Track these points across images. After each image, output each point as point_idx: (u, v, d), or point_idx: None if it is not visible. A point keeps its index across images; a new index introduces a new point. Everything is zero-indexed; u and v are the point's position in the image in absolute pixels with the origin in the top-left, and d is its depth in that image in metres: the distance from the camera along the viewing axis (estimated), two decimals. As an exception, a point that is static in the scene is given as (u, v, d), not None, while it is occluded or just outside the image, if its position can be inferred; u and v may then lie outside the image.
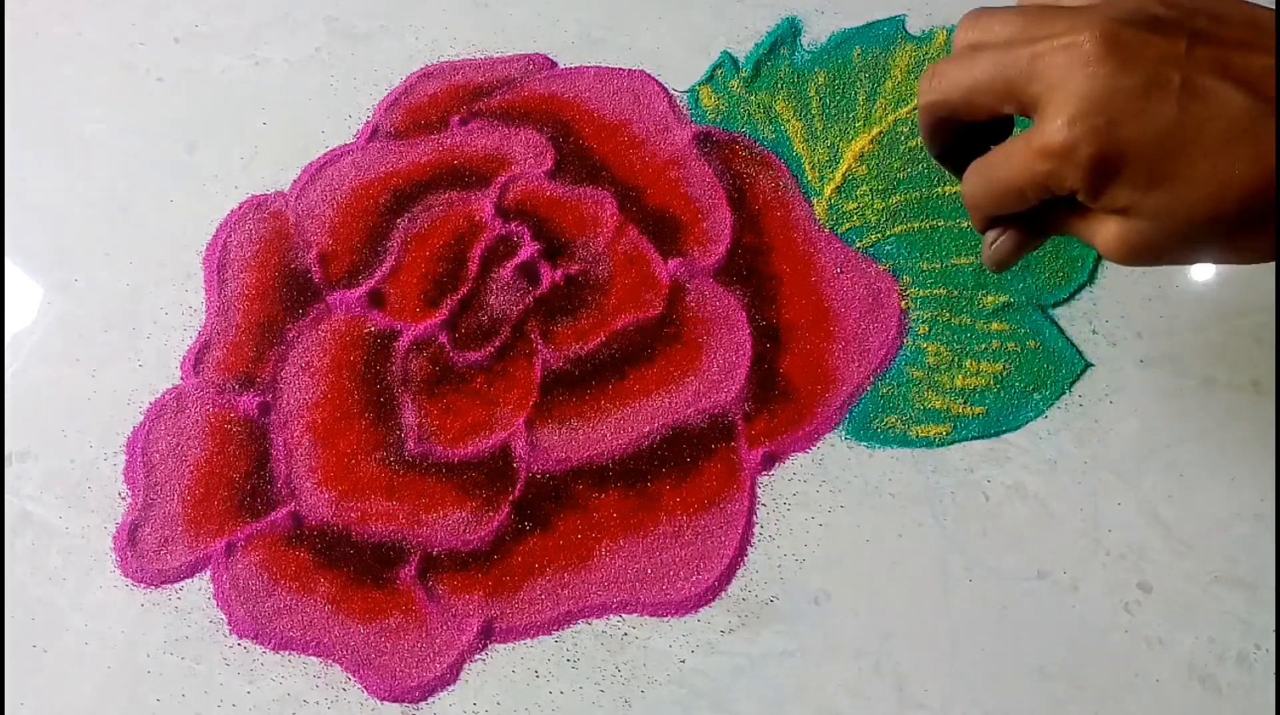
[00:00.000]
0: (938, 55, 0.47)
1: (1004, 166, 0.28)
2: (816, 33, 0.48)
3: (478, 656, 0.37)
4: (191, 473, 0.41)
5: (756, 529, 0.39)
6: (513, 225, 0.44)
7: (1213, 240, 0.27)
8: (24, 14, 0.52)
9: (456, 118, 0.47)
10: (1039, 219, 0.30)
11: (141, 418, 0.42)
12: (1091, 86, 0.26)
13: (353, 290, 0.43)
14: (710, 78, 0.48)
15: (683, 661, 0.37)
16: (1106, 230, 0.28)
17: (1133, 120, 0.26)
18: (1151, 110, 0.26)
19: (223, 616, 0.38)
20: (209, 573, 0.39)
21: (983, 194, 0.30)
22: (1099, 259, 0.42)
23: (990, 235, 0.31)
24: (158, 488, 0.40)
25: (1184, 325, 0.41)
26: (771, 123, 0.46)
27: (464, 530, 0.39)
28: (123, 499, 0.41)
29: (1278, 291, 0.41)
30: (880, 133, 0.46)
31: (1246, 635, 0.36)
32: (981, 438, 0.40)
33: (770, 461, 0.40)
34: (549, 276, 0.43)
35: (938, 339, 0.41)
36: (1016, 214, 0.30)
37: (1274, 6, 0.28)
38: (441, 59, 0.49)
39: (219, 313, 0.44)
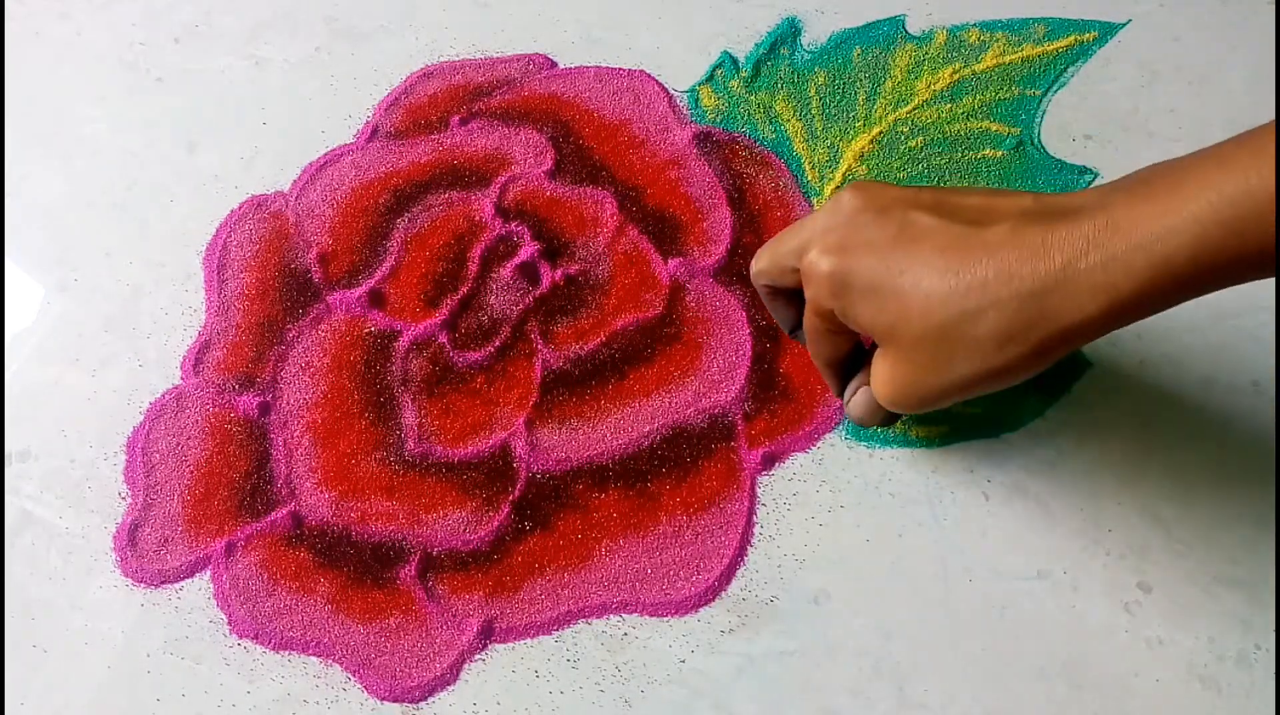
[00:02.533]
0: (938, 55, 0.47)
1: (804, 315, 0.34)
2: (816, 33, 0.48)
3: (478, 656, 0.37)
4: (191, 473, 0.41)
5: (756, 529, 0.39)
6: (513, 225, 0.44)
7: (945, 356, 0.30)
8: (24, 14, 0.52)
9: (456, 118, 0.47)
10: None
11: (141, 418, 0.42)
12: (835, 220, 0.32)
13: (353, 290, 0.43)
14: (710, 78, 0.48)
15: (683, 661, 0.37)
16: (875, 374, 0.32)
17: (859, 244, 0.31)
18: (875, 236, 0.31)
19: (223, 616, 0.38)
20: (209, 573, 0.39)
21: (809, 346, 0.35)
22: None
23: (846, 395, 0.36)
24: (158, 488, 0.40)
25: (1183, 325, 0.41)
26: (771, 123, 0.46)
27: (464, 530, 0.39)
28: (123, 499, 0.41)
29: (1278, 291, 0.41)
30: (880, 133, 0.46)
31: (1246, 635, 0.36)
32: (981, 438, 0.40)
33: (770, 461, 0.40)
34: (549, 276, 0.43)
35: (938, 339, 0.41)
36: (855, 364, 0.36)
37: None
38: (441, 59, 0.49)
39: (219, 313, 0.44)
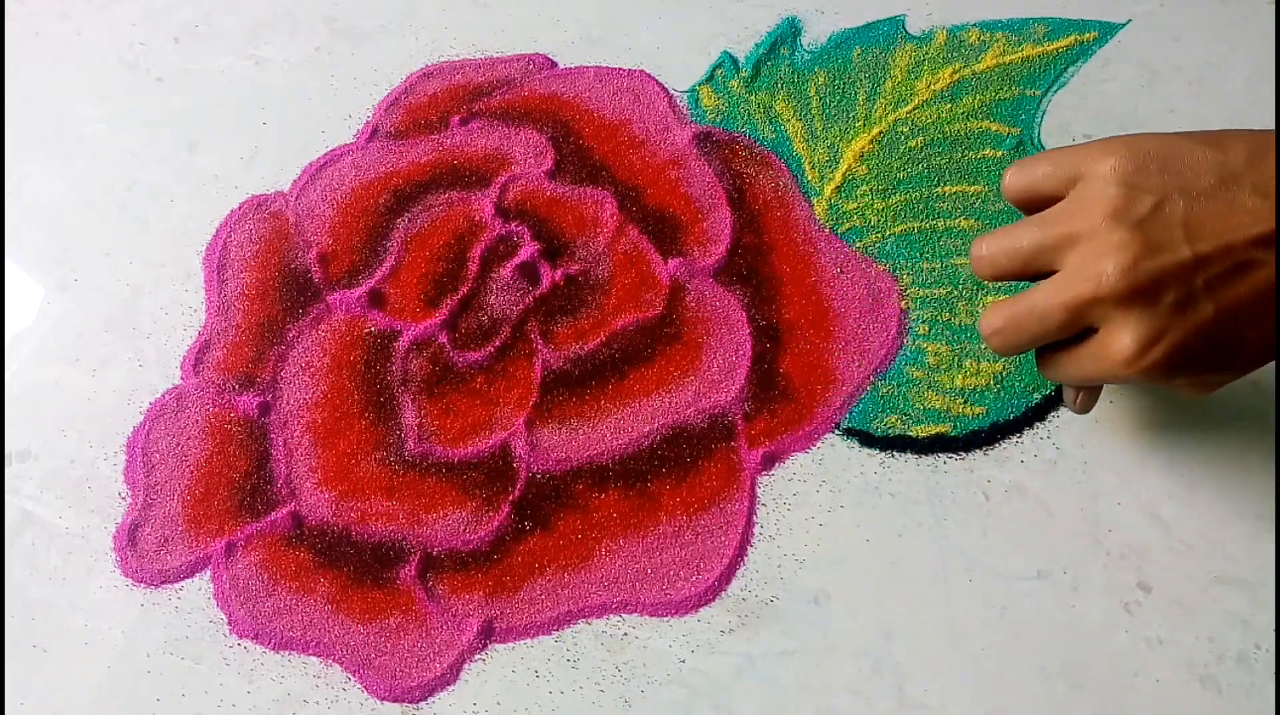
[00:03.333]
0: (938, 55, 0.47)
1: (1093, 367, 0.32)
2: (816, 33, 0.48)
3: (478, 656, 0.37)
4: (191, 473, 0.41)
5: (756, 529, 0.39)
6: (513, 225, 0.44)
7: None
8: (24, 14, 0.52)
9: (456, 118, 0.47)
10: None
11: (141, 418, 0.42)
12: (1140, 322, 0.31)
13: (353, 290, 0.43)
14: (710, 78, 0.48)
15: (683, 661, 0.37)
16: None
17: (1184, 334, 0.30)
18: (1192, 318, 0.30)
19: (223, 616, 0.38)
20: (209, 573, 0.39)
21: (1071, 381, 0.34)
22: None
23: (1069, 394, 0.37)
24: (158, 488, 0.40)
25: (1184, 325, 0.41)
26: (771, 123, 0.46)
27: (464, 530, 0.39)
28: (123, 499, 0.41)
29: (1278, 291, 0.41)
30: (880, 133, 0.46)
31: (1246, 635, 0.36)
32: (981, 438, 0.40)
33: (770, 461, 0.40)
34: (549, 276, 0.43)
35: (938, 339, 0.41)
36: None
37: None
38: (441, 59, 0.49)
39: (219, 313, 0.44)
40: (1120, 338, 0.31)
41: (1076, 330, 0.32)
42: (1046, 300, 0.32)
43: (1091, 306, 0.31)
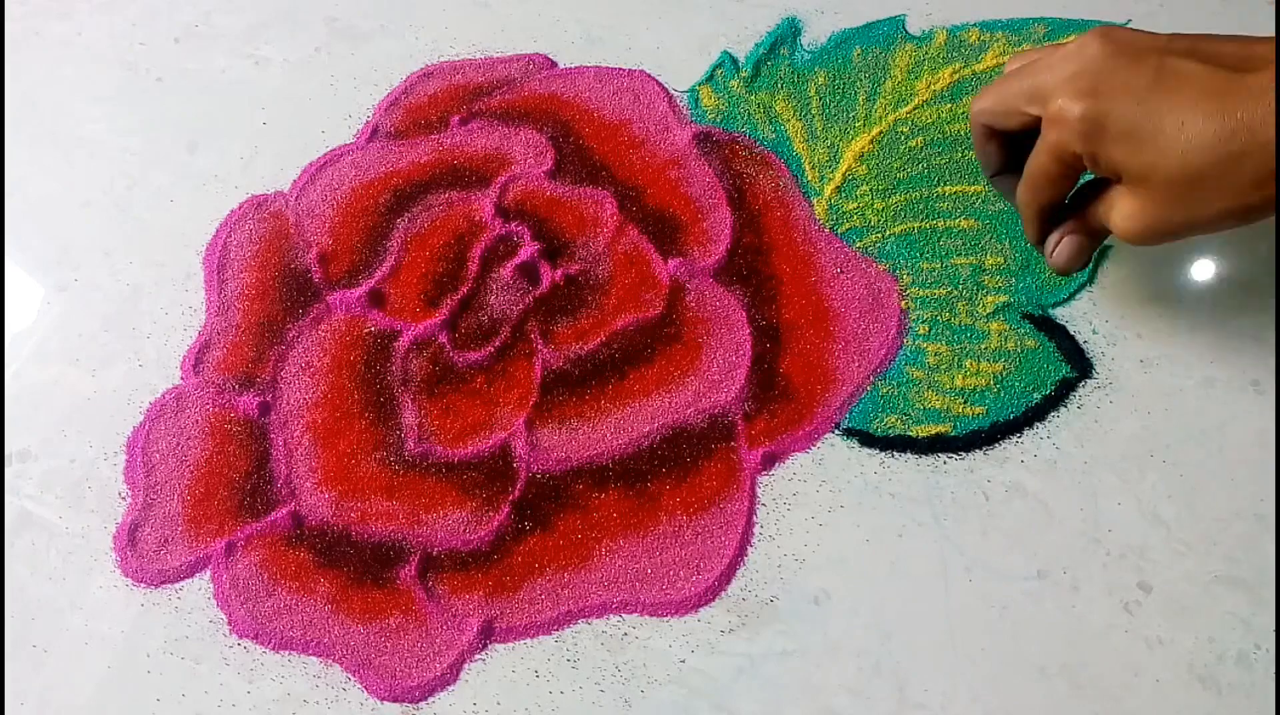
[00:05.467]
0: (938, 55, 0.47)
1: (1032, 158, 0.35)
2: (816, 33, 0.48)
3: (478, 656, 0.37)
4: (191, 473, 0.41)
5: (756, 529, 0.39)
6: (513, 225, 0.44)
7: (1197, 195, 0.32)
8: (24, 14, 0.52)
9: (456, 118, 0.47)
10: (1079, 217, 0.36)
11: (141, 418, 0.42)
12: (1083, 65, 0.33)
13: (353, 290, 0.43)
14: (710, 78, 0.48)
15: (683, 661, 0.37)
16: (1118, 212, 0.34)
17: (1113, 88, 0.32)
18: (1130, 80, 0.32)
19: (223, 616, 0.38)
20: (209, 573, 0.39)
21: (1024, 189, 0.36)
22: (1099, 259, 0.42)
23: (1049, 244, 0.38)
24: (158, 488, 0.40)
25: (1184, 325, 0.41)
26: (771, 123, 0.46)
27: (464, 530, 0.39)
28: (123, 499, 0.41)
29: (1278, 291, 0.41)
30: (880, 133, 0.46)
31: (1246, 635, 0.36)
32: (982, 437, 0.40)
33: (770, 461, 0.40)
34: (549, 276, 0.43)
35: (938, 339, 0.41)
36: (1061, 213, 0.37)
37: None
38: (441, 59, 0.49)
39: (219, 313, 0.44)
40: (1056, 93, 0.33)
41: (1043, 99, 0.34)
42: (1031, 64, 0.35)
43: (1059, 61, 0.33)
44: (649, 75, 0.48)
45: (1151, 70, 0.32)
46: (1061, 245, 0.37)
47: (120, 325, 0.44)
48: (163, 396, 0.42)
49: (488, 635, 0.38)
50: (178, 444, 0.41)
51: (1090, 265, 0.42)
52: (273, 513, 0.40)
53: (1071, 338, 0.41)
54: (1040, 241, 0.38)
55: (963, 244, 0.43)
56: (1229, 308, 0.41)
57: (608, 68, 0.48)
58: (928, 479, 0.39)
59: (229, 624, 0.38)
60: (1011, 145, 0.38)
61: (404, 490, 0.40)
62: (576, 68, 0.49)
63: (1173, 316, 0.41)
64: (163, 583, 0.39)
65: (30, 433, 0.42)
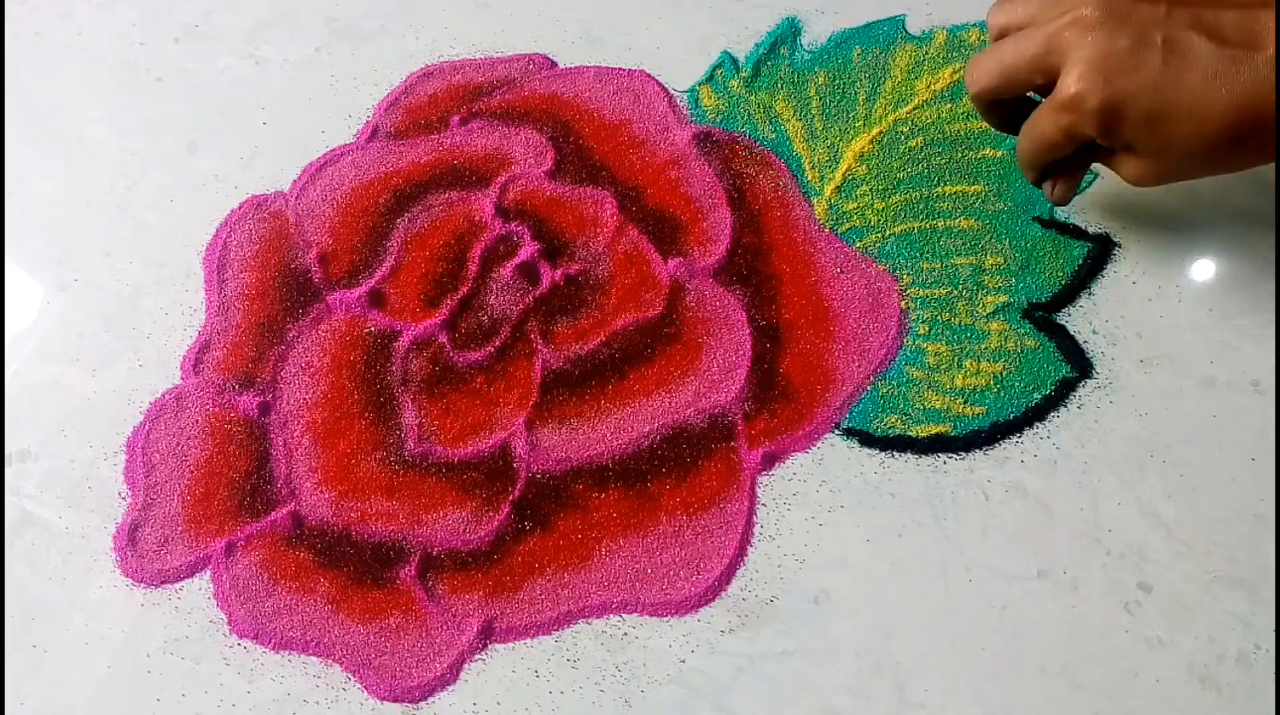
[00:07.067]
0: (938, 55, 0.47)
1: (1039, 125, 0.36)
2: (816, 33, 0.48)
3: (478, 656, 0.37)
4: (191, 473, 0.41)
5: (756, 529, 0.39)
6: (513, 225, 0.44)
7: (1209, 161, 0.34)
8: (24, 14, 0.52)
9: (456, 118, 0.47)
10: (1080, 163, 0.38)
11: (141, 418, 0.42)
12: (1092, 51, 0.33)
13: (353, 290, 0.43)
14: (710, 78, 0.48)
15: (683, 661, 0.37)
16: (1127, 167, 0.36)
17: (1126, 75, 0.33)
18: (1141, 65, 0.33)
19: (223, 616, 0.38)
20: (209, 573, 0.39)
21: (1029, 150, 0.37)
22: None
23: (1045, 188, 0.39)
24: (158, 488, 0.40)
25: (1184, 325, 0.41)
26: (771, 123, 0.46)
27: (464, 530, 0.39)
28: (123, 499, 0.41)
29: (1278, 291, 0.41)
30: (880, 133, 0.46)
31: (1246, 635, 0.36)
32: (982, 437, 0.40)
33: (770, 461, 0.40)
34: (549, 276, 0.43)
35: (938, 339, 0.41)
36: (1061, 161, 0.37)
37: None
38: (441, 59, 0.49)
39: (219, 313, 0.44)
40: (1068, 77, 0.34)
41: (1046, 73, 0.34)
42: (1028, 34, 0.35)
43: (1060, 35, 0.34)
44: (649, 75, 0.48)
45: (1159, 50, 0.33)
46: (1061, 182, 0.39)
47: (120, 325, 0.44)
48: (163, 396, 0.42)
49: (488, 635, 0.38)
50: (178, 444, 0.41)
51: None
52: (273, 513, 0.40)
53: (1071, 338, 0.41)
54: (1038, 183, 0.39)
55: (963, 244, 0.43)
56: (1229, 308, 0.41)
57: (608, 68, 0.48)
58: (928, 479, 0.39)
59: (229, 624, 0.38)
60: (1018, 108, 0.39)
61: (404, 490, 0.40)
62: (576, 68, 0.49)
63: (1173, 316, 0.41)
64: (163, 583, 0.39)
65: (30, 433, 0.42)
